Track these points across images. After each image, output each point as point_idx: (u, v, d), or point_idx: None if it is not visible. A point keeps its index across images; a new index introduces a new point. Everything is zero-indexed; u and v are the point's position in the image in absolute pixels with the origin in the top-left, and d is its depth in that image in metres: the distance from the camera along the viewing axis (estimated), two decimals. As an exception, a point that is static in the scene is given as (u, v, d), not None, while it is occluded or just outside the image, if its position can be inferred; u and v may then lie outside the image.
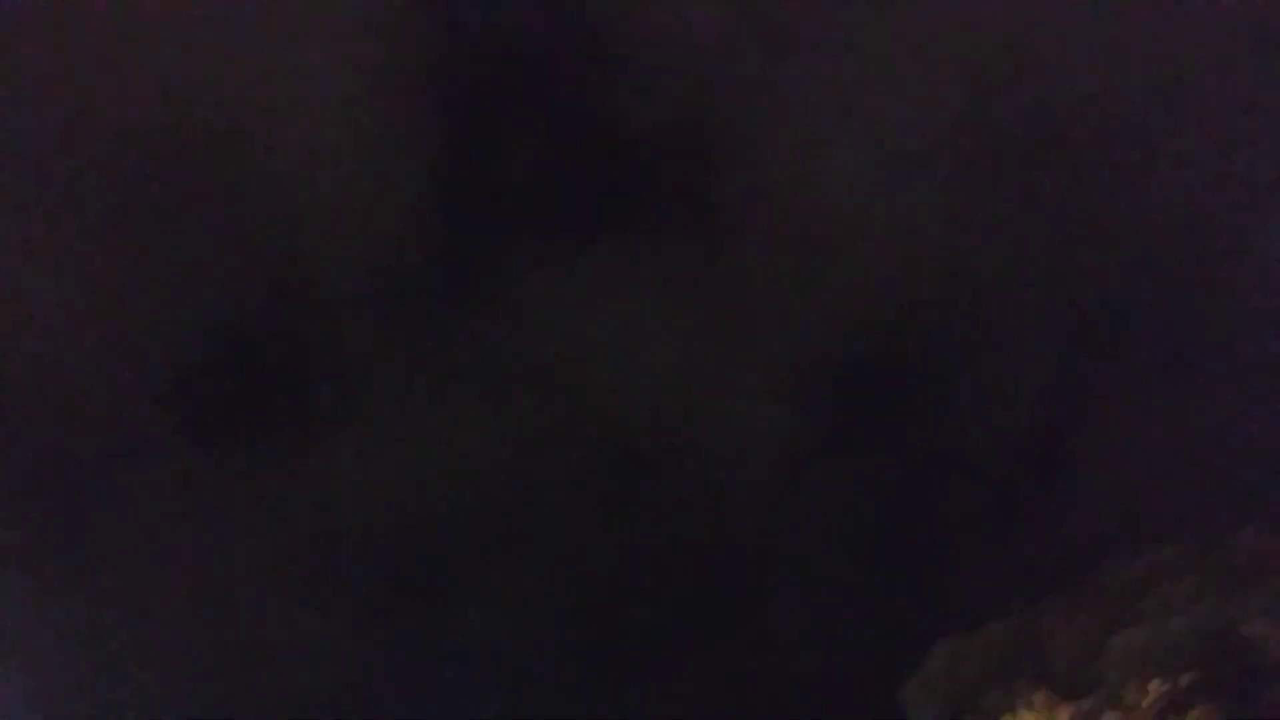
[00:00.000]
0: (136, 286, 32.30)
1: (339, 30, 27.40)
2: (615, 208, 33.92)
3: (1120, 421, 33.01)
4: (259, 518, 31.10)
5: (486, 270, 33.78)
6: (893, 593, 30.07)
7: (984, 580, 26.83)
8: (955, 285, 35.71)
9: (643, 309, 35.96)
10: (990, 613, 15.77)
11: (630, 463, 34.95)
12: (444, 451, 34.34)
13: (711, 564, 34.01)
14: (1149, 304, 34.45)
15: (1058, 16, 27.12)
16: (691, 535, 35.02)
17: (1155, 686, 9.05)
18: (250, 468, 31.43)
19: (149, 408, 31.48)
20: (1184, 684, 9.08)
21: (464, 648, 30.16)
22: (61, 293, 28.93)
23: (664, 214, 33.70)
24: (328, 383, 34.68)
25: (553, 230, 35.21)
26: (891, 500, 34.05)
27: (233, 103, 25.21)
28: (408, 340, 36.29)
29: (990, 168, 28.03)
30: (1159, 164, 26.97)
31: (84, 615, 27.16)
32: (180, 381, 32.15)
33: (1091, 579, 15.26)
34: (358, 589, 29.83)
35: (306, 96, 25.87)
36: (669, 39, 28.58)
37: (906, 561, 32.19)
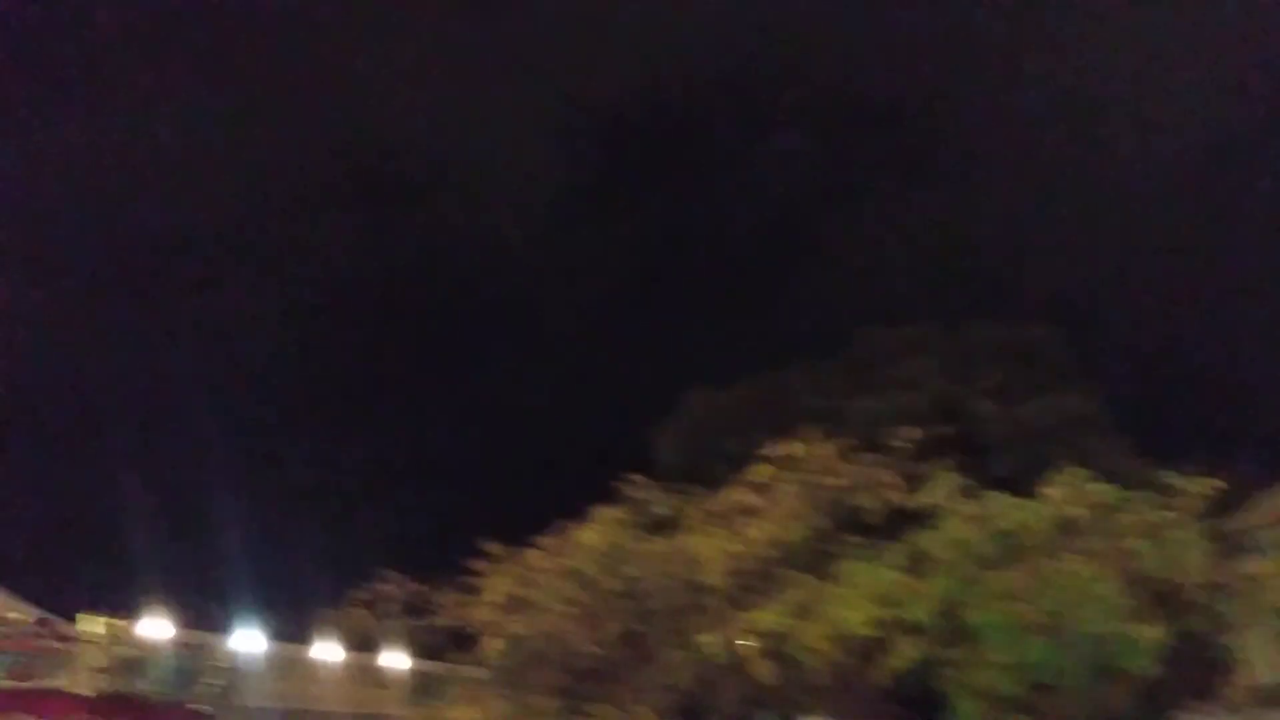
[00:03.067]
0: None
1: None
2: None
3: (880, 212, 34.57)
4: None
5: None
6: (652, 350, 30.80)
7: (740, 344, 27.99)
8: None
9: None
10: (743, 374, 16.35)
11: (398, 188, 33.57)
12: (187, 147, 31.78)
13: (467, 306, 33.39)
14: (919, 102, 35.76)
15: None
16: (451, 269, 34.28)
17: (906, 432, 9.59)
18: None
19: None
20: (925, 438, 9.70)
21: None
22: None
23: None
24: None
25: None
26: (658, 261, 34.42)
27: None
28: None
29: None
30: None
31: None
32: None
33: (843, 350, 15.96)
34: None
35: None
36: None
37: (665, 321, 32.85)
